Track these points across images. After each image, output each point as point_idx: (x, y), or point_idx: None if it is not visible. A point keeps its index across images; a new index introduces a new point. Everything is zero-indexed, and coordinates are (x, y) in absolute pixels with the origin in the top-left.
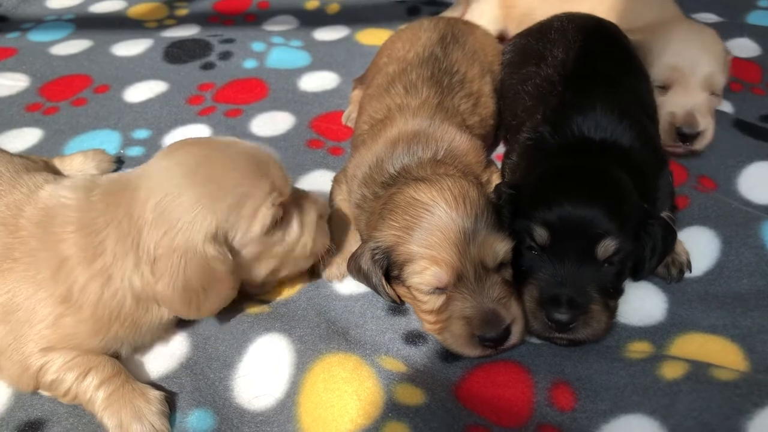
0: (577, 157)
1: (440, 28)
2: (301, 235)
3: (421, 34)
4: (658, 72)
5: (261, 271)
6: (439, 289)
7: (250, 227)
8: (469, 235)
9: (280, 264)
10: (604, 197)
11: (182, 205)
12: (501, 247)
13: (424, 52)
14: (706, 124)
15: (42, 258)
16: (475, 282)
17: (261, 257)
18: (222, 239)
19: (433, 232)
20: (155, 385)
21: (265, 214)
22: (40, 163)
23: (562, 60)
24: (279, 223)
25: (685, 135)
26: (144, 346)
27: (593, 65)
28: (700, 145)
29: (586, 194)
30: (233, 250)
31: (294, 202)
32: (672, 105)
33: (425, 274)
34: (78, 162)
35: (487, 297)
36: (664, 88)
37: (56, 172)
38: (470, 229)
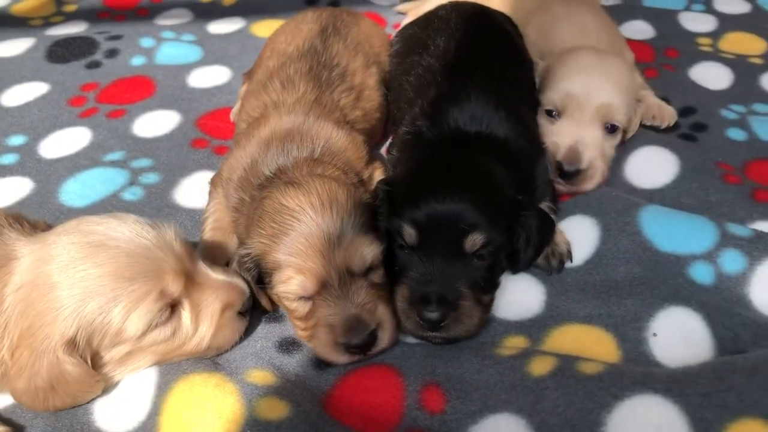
0: (452, 150)
1: (322, 20)
2: (195, 332)
3: (302, 27)
4: (550, 95)
5: (139, 365)
6: (305, 297)
7: (120, 331)
8: (335, 241)
9: (166, 358)
10: (472, 191)
11: (47, 304)
12: (368, 252)
13: (304, 45)
14: (591, 162)
15: None
16: (339, 288)
17: (137, 354)
18: (84, 343)
19: (299, 240)
20: (3, 417)
21: (139, 318)
22: None
23: (443, 49)
24: (165, 321)
25: (566, 172)
26: None
27: (472, 54)
28: (584, 186)
29: (453, 189)
30: (98, 354)
31: (193, 292)
32: (557, 135)
33: (290, 283)
34: None
35: (351, 303)
36: (555, 114)
37: None
38: (336, 235)
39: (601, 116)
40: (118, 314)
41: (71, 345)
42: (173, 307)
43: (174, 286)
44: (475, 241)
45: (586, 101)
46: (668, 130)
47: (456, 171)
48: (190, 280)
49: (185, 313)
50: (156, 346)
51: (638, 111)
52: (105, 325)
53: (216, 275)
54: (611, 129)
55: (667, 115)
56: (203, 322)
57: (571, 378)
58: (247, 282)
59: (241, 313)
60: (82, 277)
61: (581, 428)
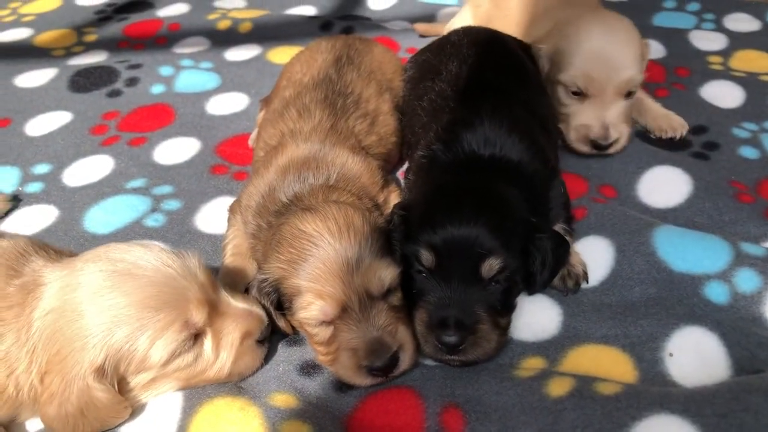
0: (466, 174)
1: (336, 50)
2: (215, 359)
3: (317, 57)
4: (572, 78)
5: (163, 390)
6: (326, 322)
7: (146, 359)
8: (353, 265)
9: (189, 384)
10: (487, 216)
11: (76, 331)
12: (386, 275)
13: (319, 75)
14: (620, 132)
15: None
16: (360, 312)
17: (162, 380)
18: (111, 369)
19: (317, 265)
20: None
21: (164, 347)
22: None
23: (455, 74)
24: (188, 349)
25: (600, 146)
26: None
27: (484, 79)
28: (613, 150)
29: (468, 214)
30: (124, 380)
31: (215, 320)
32: (587, 117)
33: (311, 308)
34: None
35: (372, 326)
36: (581, 94)
37: None
38: (354, 259)
39: (623, 89)
40: (144, 342)
41: (100, 372)
42: (197, 335)
43: (198, 317)
44: (491, 265)
45: (608, 81)
46: (680, 148)
47: (471, 195)
48: (212, 309)
49: (207, 341)
50: (179, 372)
51: (644, 63)
52: (131, 353)
53: (236, 303)
54: (630, 94)
55: (677, 124)
56: (224, 349)
57: (588, 399)
58: (265, 307)
59: (260, 341)
60: (109, 306)
61: None
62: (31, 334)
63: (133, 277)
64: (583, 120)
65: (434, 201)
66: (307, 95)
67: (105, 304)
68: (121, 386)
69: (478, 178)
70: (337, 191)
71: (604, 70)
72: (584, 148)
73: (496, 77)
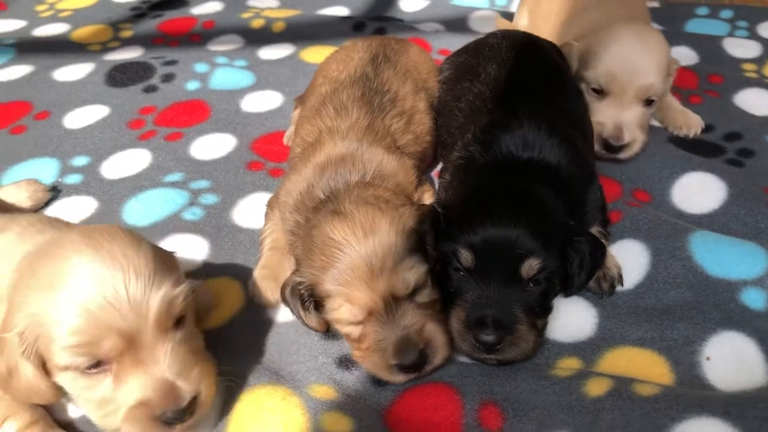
0: (504, 176)
1: (372, 49)
2: (112, 402)
3: (354, 55)
4: (595, 75)
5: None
6: (356, 323)
7: (53, 354)
8: (377, 270)
9: (87, 411)
10: (528, 217)
11: (22, 291)
12: (410, 276)
13: (356, 73)
14: (633, 137)
15: None
16: (386, 314)
17: (68, 389)
18: (32, 341)
19: (345, 271)
20: (78, 429)
21: (63, 355)
22: None
23: (494, 76)
24: (85, 374)
25: (611, 146)
26: None
27: (523, 82)
28: (624, 155)
29: (508, 215)
30: (47, 363)
31: (126, 363)
32: (603, 115)
33: (340, 311)
34: (11, 193)
35: (398, 326)
36: (601, 92)
37: (5, 208)
38: (378, 264)
39: (642, 95)
40: (58, 335)
41: (22, 338)
42: (102, 363)
43: (108, 346)
44: (531, 266)
45: (629, 83)
46: (715, 154)
47: (511, 196)
48: (133, 349)
49: (109, 377)
50: (80, 390)
51: (670, 78)
52: (46, 338)
53: (162, 366)
54: (649, 102)
55: (693, 122)
56: (119, 397)
57: (627, 399)
58: (293, 310)
59: (164, 421)
60: (54, 288)
61: None
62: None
63: (76, 276)
64: (599, 118)
65: (473, 201)
66: (344, 92)
67: (50, 282)
68: (47, 369)
69: (517, 179)
70: (373, 188)
71: (627, 71)
72: (595, 147)
73: (534, 81)
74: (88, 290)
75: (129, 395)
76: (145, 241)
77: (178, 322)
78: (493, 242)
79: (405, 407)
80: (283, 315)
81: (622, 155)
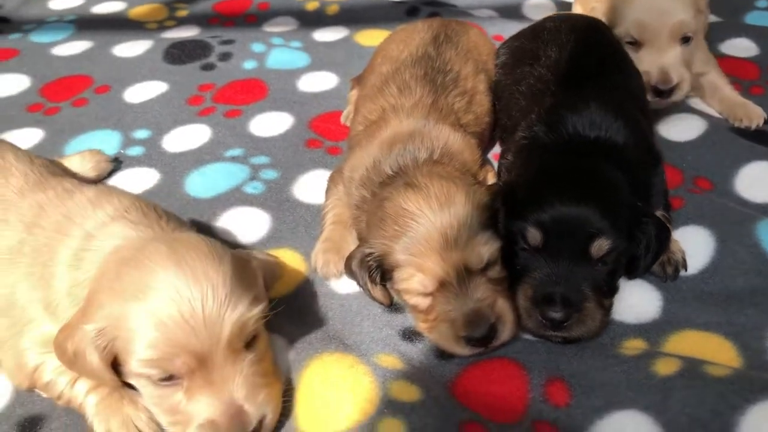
0: (571, 155)
1: (434, 29)
2: (183, 412)
3: (414, 35)
4: (626, 29)
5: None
6: (425, 294)
7: (128, 359)
8: (452, 242)
9: (157, 415)
10: (597, 196)
11: (108, 286)
12: (485, 251)
13: (418, 52)
14: (680, 77)
15: (41, 259)
16: (458, 285)
17: (140, 390)
18: (108, 339)
19: (419, 241)
20: None
21: (137, 364)
22: (60, 166)
23: (555, 59)
24: (160, 386)
25: (661, 91)
26: None
27: (586, 64)
28: (677, 97)
29: (578, 194)
30: (118, 360)
31: (197, 382)
32: (646, 64)
33: (411, 281)
34: (75, 163)
35: (470, 298)
36: (636, 44)
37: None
38: (453, 236)
39: (676, 34)
40: (134, 345)
41: (100, 334)
42: (172, 377)
43: (180, 364)
44: (601, 246)
45: (660, 26)
46: None
47: (580, 175)
48: (205, 369)
49: (181, 391)
50: (150, 398)
51: (702, 14)
52: (124, 343)
53: (232, 388)
54: (686, 39)
55: (755, 114)
56: (191, 409)
57: (699, 379)
58: (360, 282)
59: None
60: (133, 296)
61: (713, 429)
62: (94, 259)
63: (167, 290)
64: (642, 68)
65: (541, 180)
66: (406, 72)
67: (133, 291)
68: (116, 365)
69: (586, 159)
70: (441, 165)
71: (655, 15)
72: (649, 98)
73: (596, 62)
74: (168, 306)
75: (199, 412)
76: (227, 256)
77: (250, 342)
78: (562, 221)
79: (470, 380)
80: (345, 287)
81: (675, 98)
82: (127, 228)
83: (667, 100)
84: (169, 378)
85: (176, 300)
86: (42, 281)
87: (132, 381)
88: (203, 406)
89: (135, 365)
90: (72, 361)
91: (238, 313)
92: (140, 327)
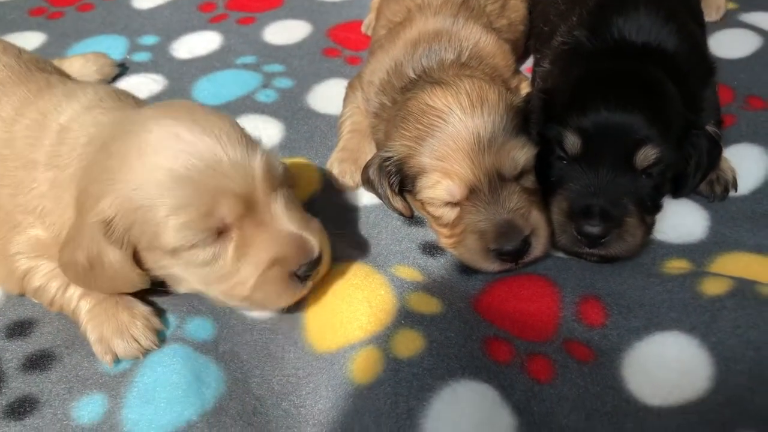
0: (617, 61)
1: None
2: (236, 271)
3: None
4: None
5: (181, 283)
6: (452, 203)
7: (158, 235)
8: (485, 144)
9: (208, 289)
10: (645, 102)
11: (104, 173)
12: (520, 155)
13: None
14: None
15: (23, 160)
16: (490, 193)
17: (177, 270)
18: (122, 230)
19: (446, 142)
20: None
21: (177, 229)
22: (53, 65)
23: None
24: (207, 244)
25: None
26: None
27: None
28: None
29: (625, 98)
30: (138, 252)
31: (248, 227)
32: None
33: (437, 188)
34: (78, 65)
35: (503, 208)
36: None
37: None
38: (486, 137)
39: None
40: (160, 215)
41: (108, 226)
42: (221, 233)
43: (225, 210)
44: (647, 155)
45: None
46: None
47: (627, 80)
48: (251, 212)
49: (231, 245)
50: (194, 268)
51: None
52: (145, 222)
53: (285, 221)
54: None
55: None
56: (246, 265)
57: (752, 299)
58: (378, 192)
59: (298, 276)
60: (143, 164)
61: (767, 352)
62: (71, 155)
63: (177, 152)
64: None
65: (584, 84)
66: None
67: (142, 161)
68: (137, 258)
69: (633, 64)
70: (468, 69)
71: None
72: None
73: None
74: (185, 159)
75: (259, 259)
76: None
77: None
78: (606, 126)
79: (496, 297)
80: (363, 199)
81: None
82: (101, 115)
83: None
84: (213, 237)
85: (192, 151)
86: (22, 186)
87: (166, 267)
88: (262, 249)
89: (169, 237)
90: (87, 272)
91: (260, 150)
92: (161, 191)
